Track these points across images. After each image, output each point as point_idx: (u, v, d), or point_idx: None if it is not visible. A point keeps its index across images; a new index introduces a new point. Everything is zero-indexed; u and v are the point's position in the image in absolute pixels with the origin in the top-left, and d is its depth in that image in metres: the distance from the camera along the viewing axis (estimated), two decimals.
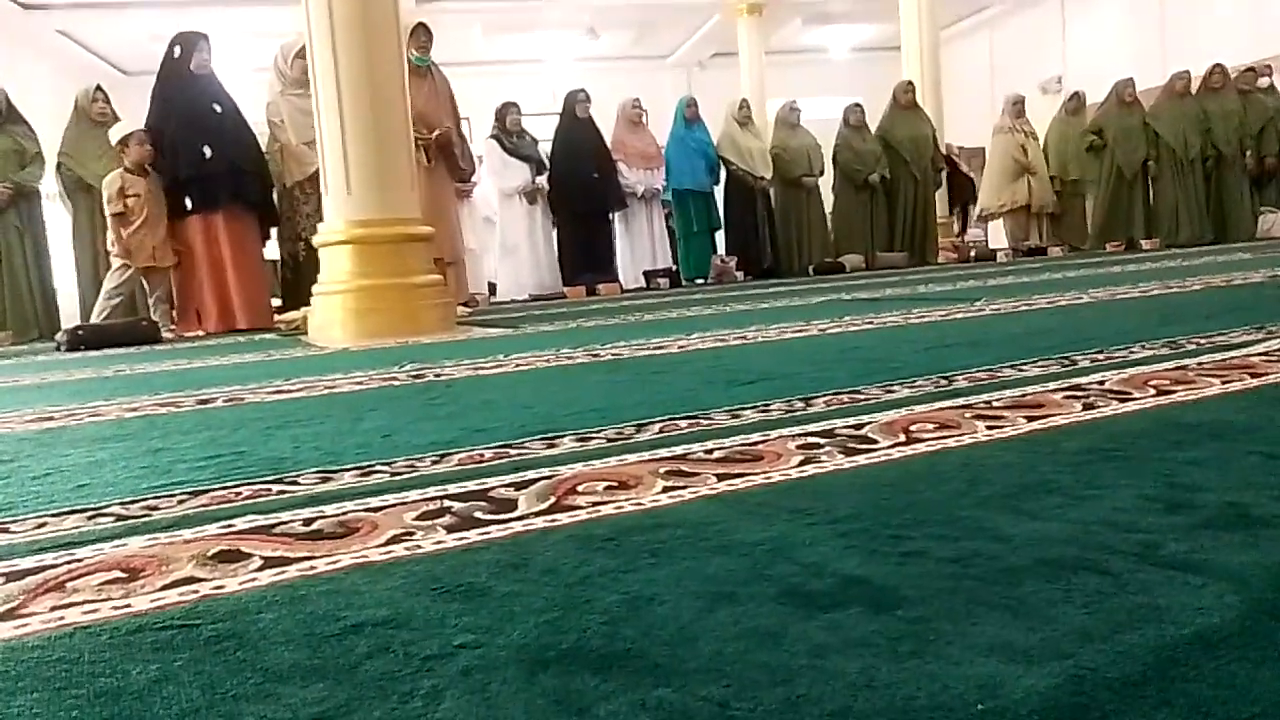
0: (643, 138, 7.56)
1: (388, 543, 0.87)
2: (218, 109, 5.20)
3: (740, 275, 7.63)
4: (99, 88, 5.79)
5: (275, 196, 5.53)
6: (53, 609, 0.75)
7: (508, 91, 7.75)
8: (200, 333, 5.13)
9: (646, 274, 7.32)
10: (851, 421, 1.28)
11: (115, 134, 5.08)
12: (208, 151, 5.06)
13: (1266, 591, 0.62)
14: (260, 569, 0.82)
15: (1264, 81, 8.27)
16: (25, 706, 0.57)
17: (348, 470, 1.20)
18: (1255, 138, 8.10)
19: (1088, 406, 1.28)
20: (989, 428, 1.19)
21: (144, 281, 5.15)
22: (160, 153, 5.08)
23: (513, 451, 1.25)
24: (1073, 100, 8.67)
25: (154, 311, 5.12)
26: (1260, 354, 1.62)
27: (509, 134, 6.95)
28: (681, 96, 8.16)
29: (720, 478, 1.03)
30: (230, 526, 0.96)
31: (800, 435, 1.22)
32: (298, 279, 5.25)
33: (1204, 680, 0.50)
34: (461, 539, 0.87)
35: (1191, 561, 0.68)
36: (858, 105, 8.21)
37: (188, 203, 5.10)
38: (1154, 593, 0.62)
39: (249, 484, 1.16)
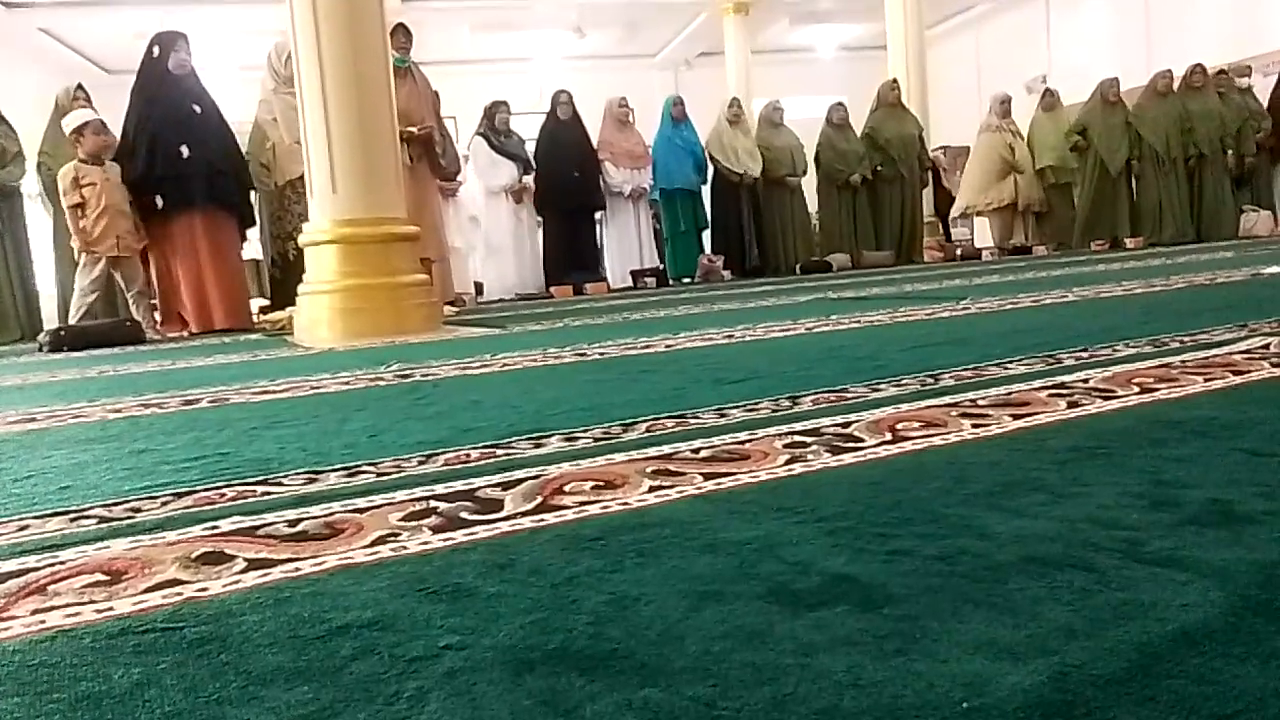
0: (630, 137, 7.56)
1: (373, 544, 0.87)
2: (197, 109, 5.16)
3: (727, 274, 7.64)
4: (80, 86, 5.75)
5: (256, 197, 5.50)
6: (34, 612, 0.74)
7: (495, 90, 7.73)
8: (184, 333, 5.10)
9: (634, 273, 7.33)
10: (838, 420, 1.28)
11: (67, 123, 4.98)
12: (185, 151, 5.02)
13: (1250, 588, 0.62)
14: (244, 571, 0.81)
15: (1244, 82, 8.34)
16: (6, 711, 0.57)
17: (334, 471, 1.19)
18: (1234, 137, 8.16)
19: (1072, 404, 1.28)
20: (975, 426, 1.19)
21: (119, 277, 5.07)
22: (132, 151, 5.03)
23: (499, 451, 1.24)
24: (1047, 98, 8.75)
25: (135, 308, 5.06)
26: (1243, 352, 1.63)
27: (497, 132, 6.94)
28: (668, 96, 8.16)
29: (707, 477, 1.03)
30: (215, 528, 0.96)
31: (787, 434, 1.22)
32: (286, 278, 5.22)
33: (1188, 676, 0.50)
34: (448, 539, 0.86)
35: (1176, 558, 0.68)
36: (840, 104, 8.23)
37: (159, 201, 5.04)
38: (1138, 589, 0.63)
39: (234, 485, 1.15)
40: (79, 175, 4.86)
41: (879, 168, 8.18)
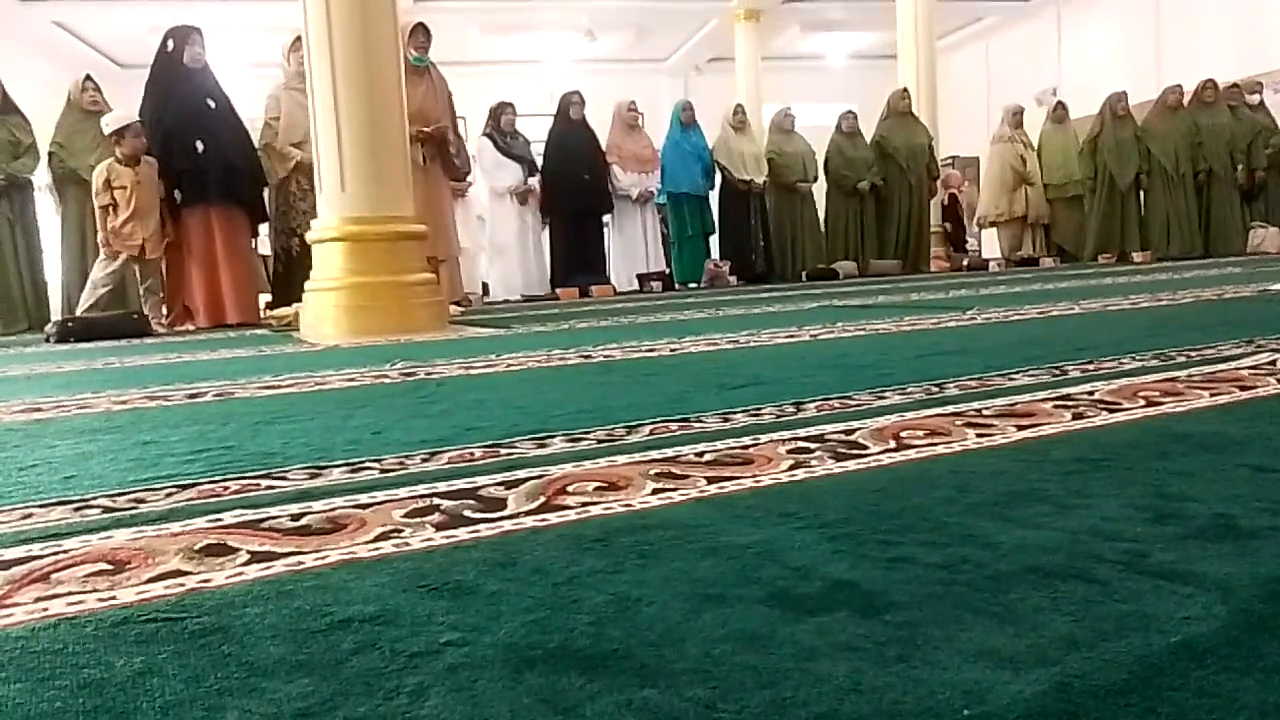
0: (638, 141, 7.57)
1: (376, 539, 0.87)
2: (211, 104, 5.18)
3: (733, 280, 7.64)
4: (89, 78, 5.77)
5: (266, 193, 5.52)
6: (37, 600, 0.75)
7: (504, 92, 7.74)
8: (190, 327, 5.11)
9: (640, 277, 7.33)
10: (842, 427, 1.28)
11: (106, 123, 5.01)
12: (200, 145, 5.04)
13: (1253, 602, 0.62)
14: (247, 563, 0.81)
15: (1254, 98, 8.33)
16: (8, 697, 0.57)
17: (337, 466, 1.19)
18: (1244, 152, 8.15)
19: (1077, 416, 1.28)
20: (979, 436, 1.19)
21: (137, 271, 5.10)
22: (151, 146, 5.06)
23: (503, 451, 1.25)
24: (1058, 110, 8.75)
25: (144, 302, 5.08)
26: (1249, 367, 1.63)
27: (502, 134, 6.95)
28: (677, 100, 8.17)
29: (710, 480, 1.03)
30: (218, 520, 0.96)
31: (791, 440, 1.22)
32: (289, 274, 5.24)
33: (1189, 689, 0.50)
34: (450, 537, 0.87)
35: (1179, 571, 0.68)
36: (851, 112, 8.24)
37: (177, 195, 5.07)
38: (1141, 601, 0.63)
39: (237, 478, 1.16)
40: (111, 177, 4.89)
41: (883, 179, 8.19)
